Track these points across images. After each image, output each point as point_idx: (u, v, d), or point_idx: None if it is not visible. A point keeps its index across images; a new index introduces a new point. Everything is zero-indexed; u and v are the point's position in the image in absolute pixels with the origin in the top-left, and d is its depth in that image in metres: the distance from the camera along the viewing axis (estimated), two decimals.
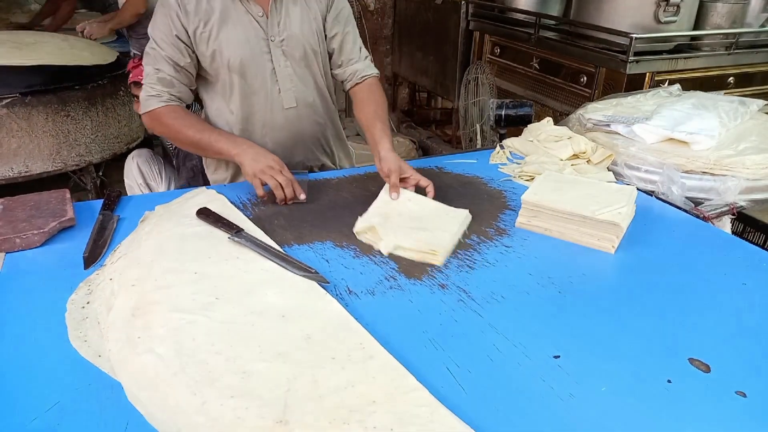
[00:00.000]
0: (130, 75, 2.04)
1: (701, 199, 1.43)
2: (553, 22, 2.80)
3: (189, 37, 1.38)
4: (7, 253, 1.08)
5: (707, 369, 0.83)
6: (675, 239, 1.22)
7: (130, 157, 2.23)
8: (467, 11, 3.25)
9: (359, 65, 1.55)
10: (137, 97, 2.04)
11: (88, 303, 0.93)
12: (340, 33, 1.53)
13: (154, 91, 1.39)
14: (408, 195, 1.30)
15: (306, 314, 0.91)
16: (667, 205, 1.38)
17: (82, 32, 3.10)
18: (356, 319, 0.90)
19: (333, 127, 1.68)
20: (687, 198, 1.41)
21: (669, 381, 0.81)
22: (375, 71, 1.58)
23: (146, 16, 3.01)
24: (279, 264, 1.03)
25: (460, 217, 1.23)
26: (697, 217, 1.34)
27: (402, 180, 1.31)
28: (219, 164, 1.60)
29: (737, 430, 0.73)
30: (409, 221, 1.21)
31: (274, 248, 1.08)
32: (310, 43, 1.48)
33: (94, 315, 0.90)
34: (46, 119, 2.43)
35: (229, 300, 0.93)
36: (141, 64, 2.03)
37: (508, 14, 3.02)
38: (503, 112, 2.00)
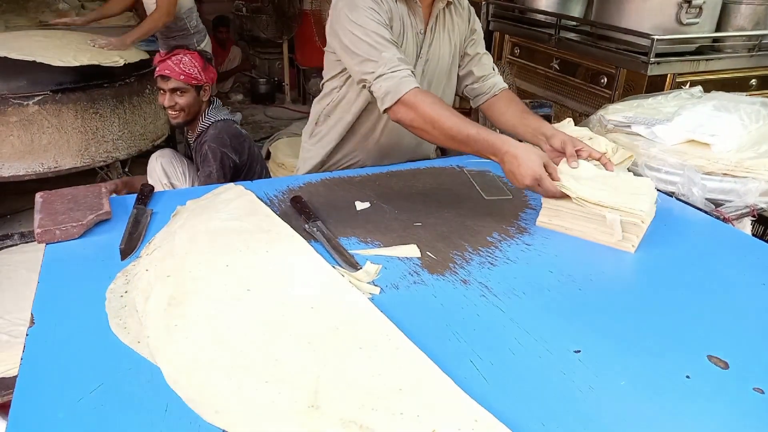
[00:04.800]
0: (156, 69, 2.09)
1: (721, 200, 1.44)
2: (573, 22, 2.81)
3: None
4: (47, 244, 1.13)
5: (725, 366, 0.85)
6: (695, 239, 1.24)
7: (153, 157, 2.28)
8: (488, 12, 3.26)
9: (496, 79, 1.68)
10: (163, 90, 2.09)
11: (126, 292, 0.97)
12: (480, 54, 1.68)
13: (405, 72, 1.31)
14: (589, 165, 1.30)
15: (333, 306, 0.94)
16: (687, 206, 1.40)
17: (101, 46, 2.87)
18: (381, 311, 0.93)
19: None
20: (707, 199, 1.43)
21: (688, 377, 0.83)
22: (505, 84, 1.70)
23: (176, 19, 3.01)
24: (332, 257, 1.10)
25: (648, 183, 1.25)
26: (718, 218, 1.35)
27: (576, 152, 1.32)
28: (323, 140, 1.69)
29: (755, 426, 0.75)
30: (601, 185, 1.21)
31: (335, 242, 1.15)
32: (447, 67, 1.61)
33: (132, 304, 0.94)
34: (76, 116, 2.51)
35: (260, 291, 0.97)
36: (167, 59, 2.08)
37: (528, 15, 3.03)
38: None
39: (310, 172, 1.73)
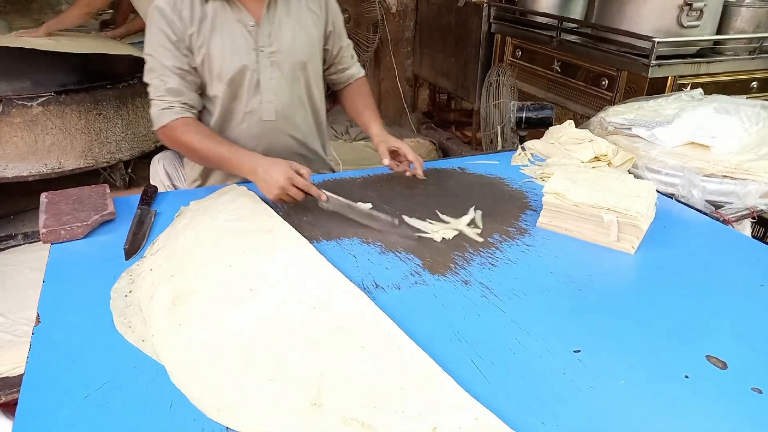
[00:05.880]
0: None
1: (721, 202, 1.45)
2: (574, 25, 2.81)
3: (188, 42, 1.37)
4: (52, 244, 1.14)
5: (724, 366, 0.86)
6: (695, 241, 1.24)
7: (155, 159, 2.29)
8: (489, 14, 3.27)
9: (353, 70, 1.70)
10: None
11: (130, 292, 0.99)
12: (339, 46, 1.63)
13: (165, 104, 1.37)
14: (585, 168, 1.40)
15: (336, 306, 0.95)
16: (687, 207, 1.40)
17: None
18: (383, 311, 0.94)
19: (319, 138, 1.70)
20: (707, 201, 1.43)
21: (686, 376, 0.83)
22: (363, 71, 1.73)
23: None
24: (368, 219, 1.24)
25: (648, 186, 1.25)
26: (717, 220, 1.35)
27: (393, 153, 1.45)
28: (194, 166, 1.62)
29: (753, 425, 0.76)
30: (599, 187, 1.23)
31: (359, 208, 1.26)
32: (300, 56, 1.50)
33: (136, 303, 0.95)
34: (79, 117, 2.52)
35: (263, 291, 0.98)
36: None
37: (529, 17, 3.04)
38: (524, 115, 2.04)
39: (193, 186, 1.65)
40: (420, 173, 1.45)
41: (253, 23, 1.41)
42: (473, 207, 1.33)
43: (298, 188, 1.25)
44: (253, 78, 1.45)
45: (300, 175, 1.26)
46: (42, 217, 1.17)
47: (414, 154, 1.45)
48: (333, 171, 1.75)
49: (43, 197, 1.26)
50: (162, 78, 1.37)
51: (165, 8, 1.35)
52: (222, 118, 1.50)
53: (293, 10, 1.47)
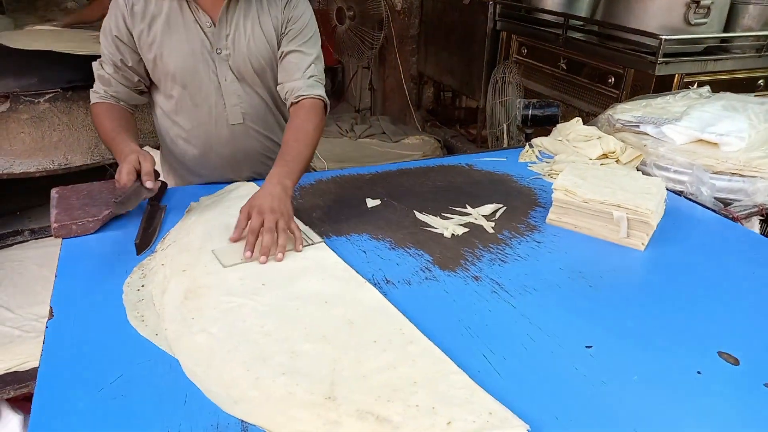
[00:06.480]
0: None
1: (730, 199, 1.45)
2: (581, 22, 2.81)
3: (132, 39, 1.32)
4: (64, 239, 1.14)
5: (736, 362, 0.86)
6: (704, 238, 1.24)
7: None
8: (494, 11, 3.27)
9: (298, 83, 1.38)
10: None
11: (142, 286, 0.99)
12: (287, 51, 1.40)
13: (95, 87, 1.39)
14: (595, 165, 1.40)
15: (347, 301, 0.95)
16: (696, 204, 1.40)
17: None
18: (394, 306, 0.94)
19: None
20: (716, 199, 1.43)
21: (699, 372, 0.83)
22: (315, 92, 1.38)
23: None
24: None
25: (658, 183, 1.26)
26: (726, 217, 1.35)
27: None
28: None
29: (765, 421, 0.76)
30: (608, 184, 1.24)
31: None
32: (259, 59, 1.39)
33: (149, 297, 0.96)
34: (86, 114, 2.51)
35: (275, 286, 0.98)
36: None
37: (535, 14, 3.04)
38: (530, 112, 2.03)
39: None
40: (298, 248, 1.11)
41: (209, 24, 1.33)
42: (494, 204, 1.35)
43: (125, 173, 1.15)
44: (213, 81, 1.38)
45: (142, 166, 1.17)
46: (53, 212, 1.18)
47: (285, 238, 1.09)
48: (314, 170, 1.63)
49: (54, 192, 1.26)
50: (101, 63, 1.37)
51: (120, 0, 1.31)
52: (189, 126, 1.44)
53: (252, 11, 1.36)
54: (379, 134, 3.85)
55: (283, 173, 1.19)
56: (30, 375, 1.65)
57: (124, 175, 1.14)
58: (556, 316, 0.95)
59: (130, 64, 1.35)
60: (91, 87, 1.41)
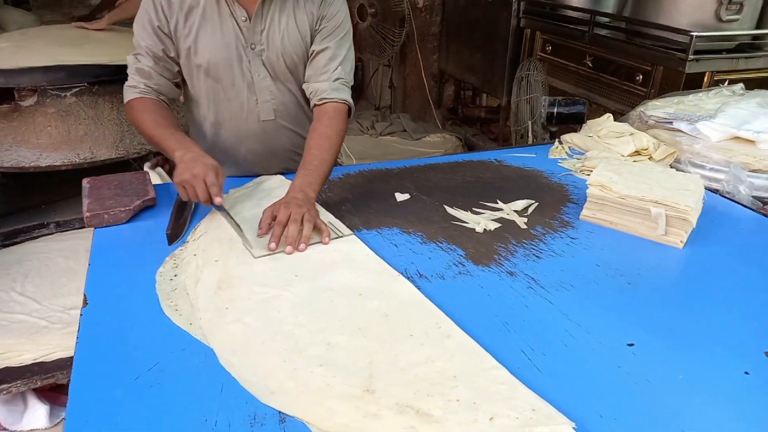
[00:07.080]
0: None
1: None
2: (608, 19, 2.77)
3: (170, 29, 1.31)
4: (96, 228, 1.14)
5: None
6: (743, 237, 1.21)
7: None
8: (518, 9, 3.23)
9: (323, 85, 1.37)
10: None
11: (175, 276, 0.98)
12: (318, 49, 1.38)
13: (133, 82, 1.35)
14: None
15: (382, 293, 0.94)
16: (733, 203, 1.37)
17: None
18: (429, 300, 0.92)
19: None
20: (754, 197, 1.39)
21: (746, 373, 0.81)
22: (340, 96, 1.36)
23: None
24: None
25: (696, 180, 1.23)
26: (765, 216, 1.32)
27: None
28: None
29: None
30: (645, 180, 1.21)
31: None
32: (292, 56, 1.38)
33: (182, 287, 0.95)
34: (112, 108, 2.53)
35: (308, 278, 0.97)
36: None
37: (560, 11, 3.00)
38: (555, 110, 2.00)
39: None
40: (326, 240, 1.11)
41: (245, 18, 1.32)
42: (526, 199, 1.33)
43: (206, 186, 1.13)
44: (246, 77, 1.38)
45: (216, 179, 1.14)
46: (85, 201, 1.18)
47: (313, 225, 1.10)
48: (341, 165, 1.61)
49: (85, 182, 1.27)
50: (137, 56, 1.35)
51: None
52: (217, 120, 1.43)
53: (288, 7, 1.35)
54: (399, 132, 3.83)
55: (306, 183, 1.20)
56: (56, 365, 1.66)
57: (200, 193, 1.12)
58: (594, 314, 0.93)
59: (171, 54, 1.34)
60: (120, 81, 1.40)
